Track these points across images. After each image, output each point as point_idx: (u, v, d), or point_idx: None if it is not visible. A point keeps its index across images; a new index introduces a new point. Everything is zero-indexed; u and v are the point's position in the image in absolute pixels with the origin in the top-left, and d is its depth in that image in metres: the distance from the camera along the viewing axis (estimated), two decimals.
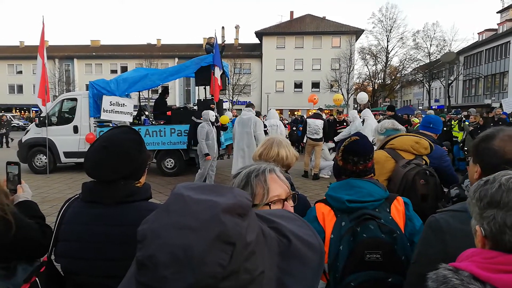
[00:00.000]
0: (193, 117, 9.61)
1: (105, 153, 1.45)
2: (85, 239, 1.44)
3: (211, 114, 8.58)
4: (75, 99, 11.39)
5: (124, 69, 41.71)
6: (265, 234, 0.66)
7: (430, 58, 42.04)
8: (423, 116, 14.86)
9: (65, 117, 11.45)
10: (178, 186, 0.65)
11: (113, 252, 1.41)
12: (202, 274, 0.53)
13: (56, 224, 1.53)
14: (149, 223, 0.61)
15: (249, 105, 8.66)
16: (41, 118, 11.01)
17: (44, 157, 11.08)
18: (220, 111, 11.00)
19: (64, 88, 43.46)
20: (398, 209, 1.77)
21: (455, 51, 37.24)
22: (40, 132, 11.00)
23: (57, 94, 37.22)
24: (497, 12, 42.77)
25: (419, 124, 14.35)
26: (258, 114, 9.97)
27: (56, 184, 9.66)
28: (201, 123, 8.54)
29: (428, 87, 43.98)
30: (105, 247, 1.42)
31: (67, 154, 11.09)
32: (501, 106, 16.43)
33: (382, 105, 43.68)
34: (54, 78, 42.32)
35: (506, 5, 39.18)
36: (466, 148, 10.36)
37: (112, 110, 10.38)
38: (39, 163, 11.22)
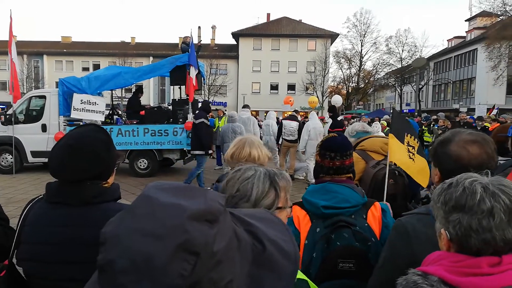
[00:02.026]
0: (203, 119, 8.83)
1: (71, 152, 1.40)
2: (48, 241, 1.38)
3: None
4: (43, 97, 11.03)
5: (96, 67, 40.67)
6: (239, 238, 0.63)
7: (402, 63, 43.30)
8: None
9: (33, 115, 11.07)
10: (148, 186, 0.62)
11: (78, 255, 1.35)
12: (162, 285, 0.51)
13: (18, 226, 1.46)
14: (113, 225, 0.58)
15: (245, 106, 9.79)
16: (7, 116, 10.58)
17: (10, 156, 10.68)
18: (195, 112, 10.90)
19: (33, 85, 41.93)
20: (374, 215, 1.76)
21: (426, 57, 38.52)
22: (6, 131, 10.58)
23: (25, 92, 35.87)
24: (465, 20, 44.45)
25: (388, 127, 14.60)
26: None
27: (22, 185, 9.31)
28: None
29: (399, 91, 45.25)
30: (69, 250, 1.37)
31: (35, 154, 10.70)
32: (468, 111, 17.10)
33: (356, 108, 44.58)
34: (22, 74, 40.74)
35: (474, 14, 40.78)
36: None
37: (83, 109, 10.08)
38: (5, 163, 10.80)
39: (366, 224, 1.70)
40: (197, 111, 8.90)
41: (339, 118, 10.53)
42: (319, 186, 1.81)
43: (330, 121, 10.17)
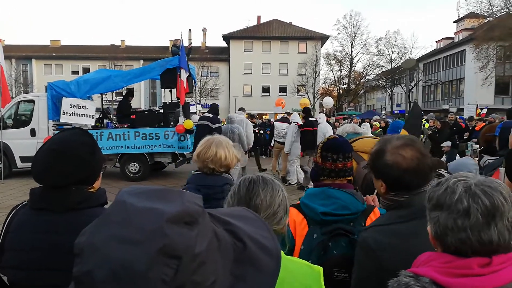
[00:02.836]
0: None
1: (55, 156, 1.36)
2: (32, 248, 1.35)
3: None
4: (32, 101, 10.94)
5: (86, 70, 40.27)
6: (219, 238, 0.62)
7: (392, 64, 43.74)
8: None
9: (21, 119, 10.97)
10: (121, 192, 0.60)
11: (62, 262, 1.32)
12: None
13: (2, 233, 1.42)
14: (87, 235, 0.56)
15: (241, 109, 10.37)
16: None
17: None
18: (187, 115, 10.87)
19: (22, 89, 41.44)
20: None
21: (415, 58, 38.91)
22: None
23: (13, 96, 35.39)
24: (454, 22, 45.10)
25: (380, 129, 14.71)
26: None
27: (10, 191, 9.18)
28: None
29: (390, 93, 45.66)
30: (53, 257, 1.33)
31: (24, 159, 10.56)
32: (458, 111, 17.31)
33: (347, 110, 44.85)
34: (11, 79, 40.22)
35: (461, 15, 41.37)
36: None
37: (72, 113, 9.98)
38: None
39: None
40: (211, 115, 8.88)
41: (331, 120, 10.62)
42: (319, 190, 1.75)
43: (323, 122, 10.19)
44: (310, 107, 9.79)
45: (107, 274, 0.51)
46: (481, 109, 19.12)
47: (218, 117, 9.08)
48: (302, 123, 9.44)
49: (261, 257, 0.67)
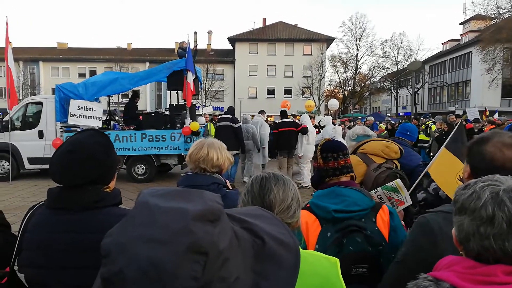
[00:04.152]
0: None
1: (71, 157, 1.39)
2: (49, 247, 1.37)
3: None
4: (40, 103, 11.01)
5: (92, 73, 40.59)
6: (238, 237, 0.64)
7: (397, 66, 43.50)
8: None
9: (29, 121, 11.03)
10: (143, 193, 0.61)
11: (80, 261, 1.34)
12: None
13: (20, 233, 1.45)
14: (114, 236, 0.57)
15: (261, 111, 11.52)
16: (4, 123, 10.54)
17: (7, 163, 10.60)
18: (193, 117, 10.90)
19: (29, 91, 41.74)
20: (383, 219, 1.74)
21: (421, 60, 38.75)
22: (3, 137, 10.51)
23: (21, 98, 35.72)
24: (460, 24, 44.82)
25: (386, 131, 14.68)
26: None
27: (19, 192, 9.24)
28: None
29: (395, 95, 45.43)
30: (71, 256, 1.35)
31: (32, 160, 10.64)
32: (464, 113, 17.21)
33: (352, 112, 44.72)
34: (18, 81, 40.50)
35: (468, 17, 41.13)
36: (432, 154, 10.74)
37: (80, 115, 10.04)
38: (1, 170, 10.73)
39: (376, 228, 1.69)
40: (230, 116, 9.77)
41: (337, 122, 10.72)
42: (328, 190, 1.78)
43: (329, 125, 10.20)
44: (286, 109, 10.16)
45: (137, 273, 0.51)
46: (490, 111, 18.97)
47: (235, 117, 10.00)
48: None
49: (280, 252, 0.68)
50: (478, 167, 1.35)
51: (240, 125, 9.65)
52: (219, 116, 10.85)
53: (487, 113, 18.05)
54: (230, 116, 9.69)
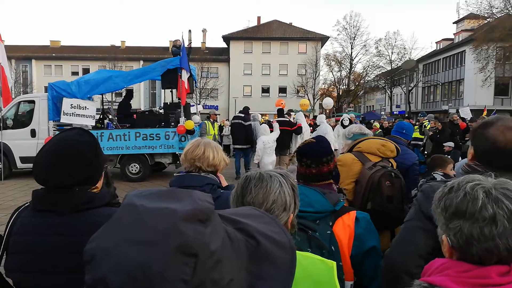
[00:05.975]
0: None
1: (56, 157, 1.33)
2: (36, 251, 1.32)
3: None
4: (32, 102, 10.93)
5: (86, 71, 40.24)
6: (231, 237, 0.61)
7: (391, 65, 43.76)
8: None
9: (21, 120, 10.95)
10: (129, 195, 0.58)
11: (68, 264, 1.30)
12: None
13: (5, 236, 1.40)
14: (97, 240, 0.54)
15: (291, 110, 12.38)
16: None
17: None
18: (187, 115, 10.85)
19: (21, 90, 41.38)
20: (345, 224, 1.65)
21: (415, 59, 38.95)
22: None
23: (13, 97, 35.39)
24: (453, 23, 45.10)
25: (380, 130, 14.72)
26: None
27: (11, 191, 9.15)
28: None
29: (389, 93, 45.66)
30: (58, 259, 1.31)
31: (24, 159, 10.54)
32: (457, 112, 17.34)
33: (346, 110, 44.87)
34: (11, 79, 40.23)
35: (461, 16, 41.42)
36: (426, 152, 10.79)
37: (73, 113, 9.97)
38: None
39: (328, 232, 1.61)
40: (243, 115, 10.69)
41: (332, 121, 10.77)
42: None
43: (323, 123, 10.20)
44: (282, 108, 10.41)
45: (123, 278, 0.49)
46: (488, 110, 19.16)
47: (247, 116, 10.85)
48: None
49: (275, 252, 0.67)
50: (482, 149, 1.43)
51: (250, 123, 10.54)
52: (234, 115, 11.57)
53: (485, 112, 18.21)
54: (242, 115, 10.73)
